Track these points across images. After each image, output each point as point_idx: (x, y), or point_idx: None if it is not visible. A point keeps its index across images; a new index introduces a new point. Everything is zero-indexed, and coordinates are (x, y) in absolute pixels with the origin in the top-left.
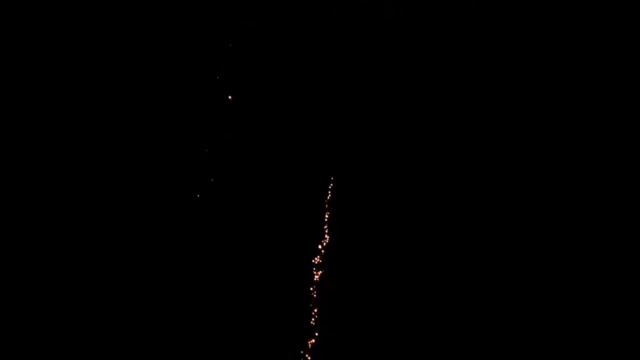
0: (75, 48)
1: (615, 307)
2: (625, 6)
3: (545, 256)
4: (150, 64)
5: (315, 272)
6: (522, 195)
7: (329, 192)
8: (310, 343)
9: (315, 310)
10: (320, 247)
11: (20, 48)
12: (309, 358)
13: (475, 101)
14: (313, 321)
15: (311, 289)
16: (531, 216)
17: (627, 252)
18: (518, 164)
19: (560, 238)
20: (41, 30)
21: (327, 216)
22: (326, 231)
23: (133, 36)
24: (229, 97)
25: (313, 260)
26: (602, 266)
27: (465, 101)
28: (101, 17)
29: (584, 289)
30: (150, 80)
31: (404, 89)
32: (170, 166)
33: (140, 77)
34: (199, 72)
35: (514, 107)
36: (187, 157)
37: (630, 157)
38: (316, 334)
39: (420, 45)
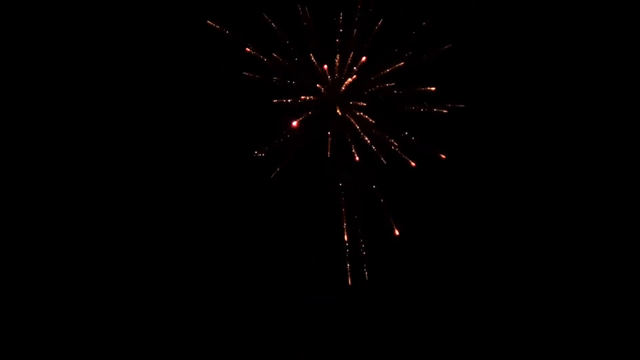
0: (75, 48)
1: (614, 306)
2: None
3: (545, 255)
4: (150, 64)
5: (314, 272)
6: (522, 195)
7: (329, 191)
8: (310, 343)
9: (315, 310)
10: (319, 246)
11: (20, 48)
12: (308, 358)
13: (476, 102)
14: (313, 321)
15: (310, 288)
16: (531, 216)
17: (627, 251)
18: (518, 164)
19: (560, 237)
20: (41, 30)
21: (326, 216)
22: (325, 231)
23: (133, 37)
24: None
25: (313, 260)
26: (602, 265)
27: (466, 102)
28: (101, 17)
29: (583, 288)
30: (150, 80)
31: (404, 89)
32: (170, 166)
33: (141, 77)
34: (199, 72)
35: (514, 108)
36: (187, 157)
37: (630, 157)
38: (316, 334)
39: (420, 45)
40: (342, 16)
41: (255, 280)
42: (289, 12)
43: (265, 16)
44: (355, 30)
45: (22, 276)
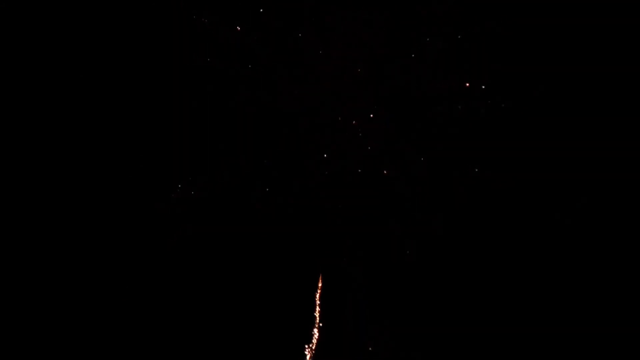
0: (75, 48)
1: (615, 306)
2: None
3: (545, 254)
4: (149, 63)
5: (315, 273)
6: (521, 193)
7: (329, 193)
8: (311, 344)
9: (317, 312)
10: (320, 248)
11: (20, 48)
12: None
13: (475, 100)
14: (314, 322)
15: (311, 289)
16: (530, 214)
17: (627, 249)
18: (516, 161)
19: (560, 236)
20: (41, 31)
21: (327, 217)
22: (326, 232)
23: (132, 36)
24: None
25: (313, 261)
26: (603, 264)
27: (465, 100)
28: (100, 17)
29: (583, 288)
30: (149, 79)
31: (402, 89)
32: (170, 166)
33: (140, 76)
34: (198, 71)
35: (512, 106)
36: (187, 156)
37: (630, 154)
38: (317, 336)
39: (418, 45)
40: None
41: (255, 281)
42: None
43: None
44: None
45: (21, 276)
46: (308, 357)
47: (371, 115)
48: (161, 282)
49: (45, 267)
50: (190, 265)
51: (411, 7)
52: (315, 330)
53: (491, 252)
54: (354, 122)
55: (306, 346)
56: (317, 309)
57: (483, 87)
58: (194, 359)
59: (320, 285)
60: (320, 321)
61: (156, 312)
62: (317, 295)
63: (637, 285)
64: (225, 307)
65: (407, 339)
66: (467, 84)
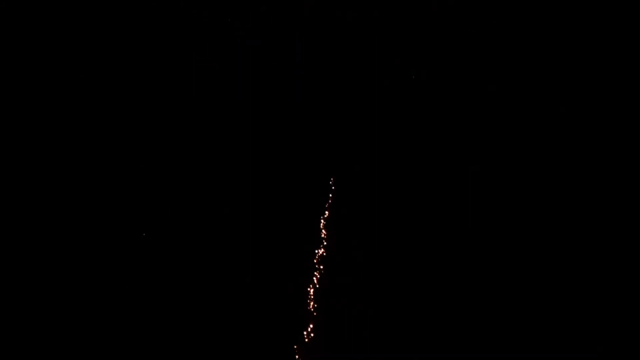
0: (75, 48)
1: (614, 305)
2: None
3: (544, 253)
4: (149, 63)
5: (315, 273)
6: (521, 192)
7: (329, 192)
8: (309, 343)
9: (315, 311)
10: (319, 248)
11: (20, 48)
12: (307, 357)
13: (475, 99)
14: (312, 322)
15: (311, 289)
16: (531, 214)
17: (627, 249)
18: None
19: (559, 236)
20: (41, 31)
21: (326, 216)
22: (325, 232)
23: (132, 36)
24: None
25: (313, 261)
26: (602, 263)
27: (465, 99)
28: (99, 17)
29: (583, 287)
30: (149, 79)
31: (402, 89)
32: (171, 166)
33: (140, 76)
34: (198, 71)
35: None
36: (188, 157)
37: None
38: (315, 335)
39: (418, 44)
40: None
41: (255, 281)
42: None
43: None
44: None
45: (22, 276)
46: (303, 353)
47: (371, 114)
48: (161, 280)
49: (46, 267)
50: (189, 265)
51: (411, 7)
52: (311, 327)
53: (490, 252)
54: (353, 121)
55: (301, 342)
56: (314, 307)
57: (484, 87)
58: (194, 355)
59: (318, 284)
60: (316, 319)
61: (156, 311)
62: (313, 293)
63: (637, 285)
64: (224, 304)
65: (405, 337)
66: (467, 84)
